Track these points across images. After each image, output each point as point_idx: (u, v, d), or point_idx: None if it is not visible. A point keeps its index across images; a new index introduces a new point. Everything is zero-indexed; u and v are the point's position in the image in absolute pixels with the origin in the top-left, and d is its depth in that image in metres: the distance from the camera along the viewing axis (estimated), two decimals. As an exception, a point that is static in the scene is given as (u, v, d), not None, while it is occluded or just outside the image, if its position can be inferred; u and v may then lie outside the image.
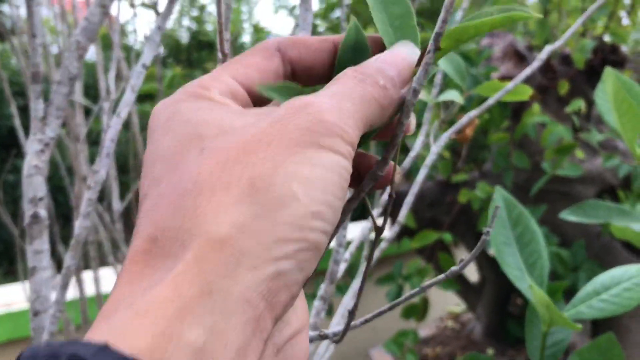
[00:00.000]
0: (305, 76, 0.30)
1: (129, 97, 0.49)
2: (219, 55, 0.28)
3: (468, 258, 0.30)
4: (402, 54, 0.28)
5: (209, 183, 0.22)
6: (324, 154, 0.23)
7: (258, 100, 0.28)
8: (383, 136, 0.31)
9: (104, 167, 0.48)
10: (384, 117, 0.27)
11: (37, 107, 0.54)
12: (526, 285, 0.46)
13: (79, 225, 0.49)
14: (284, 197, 0.22)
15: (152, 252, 0.22)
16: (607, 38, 1.61)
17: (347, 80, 0.26)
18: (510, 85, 0.65)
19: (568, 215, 0.64)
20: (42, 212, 0.55)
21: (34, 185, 0.54)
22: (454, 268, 0.31)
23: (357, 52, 0.29)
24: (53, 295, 0.56)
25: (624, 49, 1.60)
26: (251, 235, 0.21)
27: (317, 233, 0.23)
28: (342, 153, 0.24)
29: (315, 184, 0.23)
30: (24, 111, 1.62)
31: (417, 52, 0.29)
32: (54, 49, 1.88)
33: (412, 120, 0.30)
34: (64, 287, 0.51)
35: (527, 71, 0.65)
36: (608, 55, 1.51)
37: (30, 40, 0.53)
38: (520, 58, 1.52)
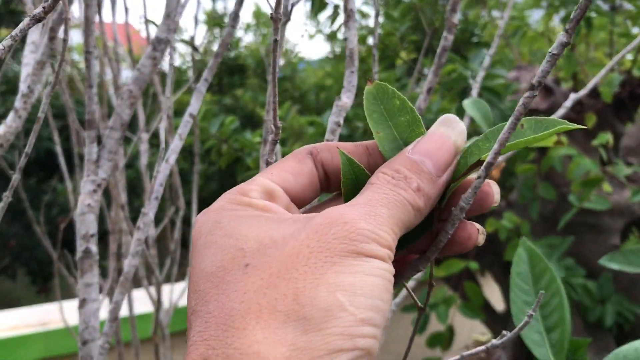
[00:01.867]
0: (338, 180, 0.30)
1: (177, 144, 0.53)
2: (272, 128, 0.31)
3: (511, 334, 0.32)
4: (441, 138, 0.28)
5: (255, 302, 0.23)
6: (363, 260, 0.23)
7: (296, 198, 0.29)
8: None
9: (153, 209, 0.52)
10: (421, 217, 0.27)
11: (91, 150, 0.59)
12: (545, 353, 0.45)
13: (128, 263, 0.53)
14: (330, 308, 0.22)
15: None
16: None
17: (381, 186, 0.26)
18: (535, 130, 0.67)
19: (608, 262, 0.62)
20: (93, 248, 0.59)
21: (86, 222, 0.59)
22: (494, 341, 0.33)
23: (358, 182, 0.29)
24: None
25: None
26: (303, 352, 0.21)
27: (368, 339, 0.22)
28: (381, 257, 0.24)
29: (360, 291, 0.23)
30: (62, 132, 1.69)
31: (460, 129, 0.28)
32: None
33: (495, 189, 0.29)
34: (113, 320, 0.54)
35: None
36: (636, 89, 1.52)
37: (86, 90, 0.58)
38: (547, 91, 1.53)
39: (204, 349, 0.22)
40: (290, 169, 0.29)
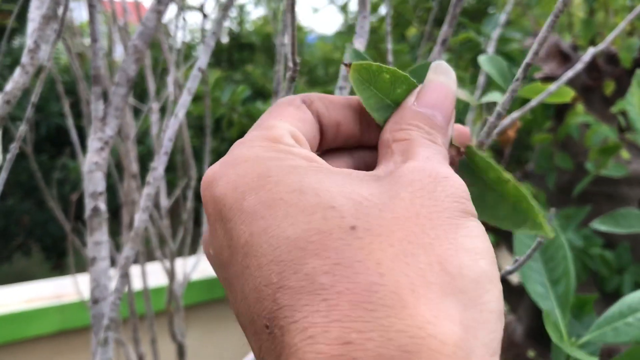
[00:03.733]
0: (332, 133, 0.27)
1: (186, 98, 0.52)
2: (290, 64, 0.29)
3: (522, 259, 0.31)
4: (445, 88, 0.26)
5: (400, 274, 0.19)
6: (473, 221, 0.21)
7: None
8: None
9: (162, 164, 0.51)
10: None
11: (97, 107, 0.58)
12: (550, 305, 0.43)
13: (139, 218, 0.52)
14: (480, 279, 0.20)
15: (349, 356, 0.18)
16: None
17: (428, 146, 0.24)
18: (552, 87, 0.65)
19: (599, 226, 0.61)
20: (102, 206, 0.58)
21: (94, 180, 0.58)
22: (508, 267, 0.32)
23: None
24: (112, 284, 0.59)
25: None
26: (471, 333, 0.19)
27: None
28: (476, 215, 0.22)
29: (489, 255, 0.21)
30: (73, 107, 1.68)
31: (454, 77, 0.27)
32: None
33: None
34: (124, 275, 0.54)
35: (570, 73, 0.65)
36: (656, 54, 1.48)
37: (91, 44, 0.56)
38: (564, 57, 1.50)
39: (340, 332, 0.18)
40: (296, 117, 0.25)
